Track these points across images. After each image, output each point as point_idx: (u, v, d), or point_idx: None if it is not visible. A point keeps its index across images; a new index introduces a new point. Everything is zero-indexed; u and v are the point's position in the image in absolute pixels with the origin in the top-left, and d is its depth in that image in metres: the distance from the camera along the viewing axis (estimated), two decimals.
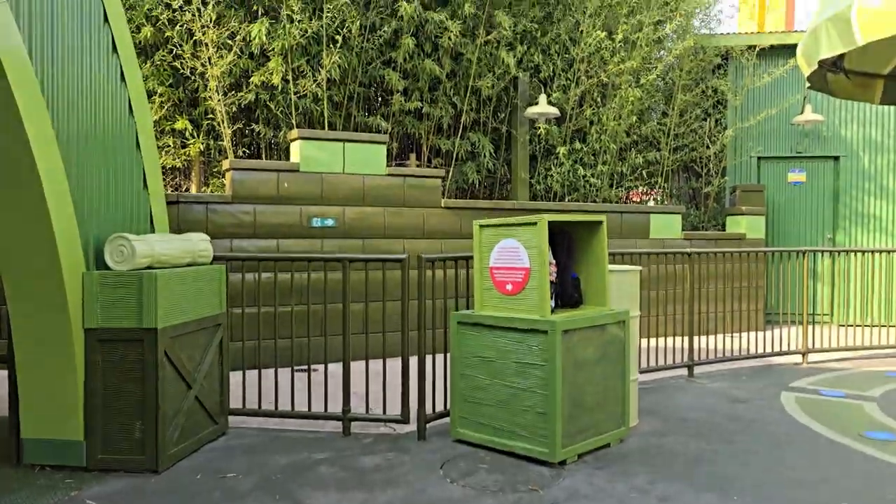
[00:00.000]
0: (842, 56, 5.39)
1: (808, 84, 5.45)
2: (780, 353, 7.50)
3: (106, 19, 4.44)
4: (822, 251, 8.21)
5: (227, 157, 7.66)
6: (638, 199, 10.78)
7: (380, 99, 8.77)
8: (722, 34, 10.48)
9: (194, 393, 4.33)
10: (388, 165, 8.00)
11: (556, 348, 4.05)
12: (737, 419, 5.20)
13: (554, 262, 4.48)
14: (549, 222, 4.39)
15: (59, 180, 3.73)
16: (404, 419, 4.74)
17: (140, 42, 7.37)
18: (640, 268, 5.13)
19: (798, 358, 7.61)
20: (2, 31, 3.35)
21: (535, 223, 4.23)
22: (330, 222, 7.48)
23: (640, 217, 9.26)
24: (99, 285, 3.93)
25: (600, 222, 4.62)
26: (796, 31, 10.56)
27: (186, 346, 4.27)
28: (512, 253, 4.37)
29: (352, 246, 7.57)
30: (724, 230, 10.35)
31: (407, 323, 4.68)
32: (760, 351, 7.75)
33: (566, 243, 4.61)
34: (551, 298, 4.38)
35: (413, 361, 4.99)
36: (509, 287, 4.39)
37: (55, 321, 3.84)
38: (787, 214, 10.79)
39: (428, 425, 4.80)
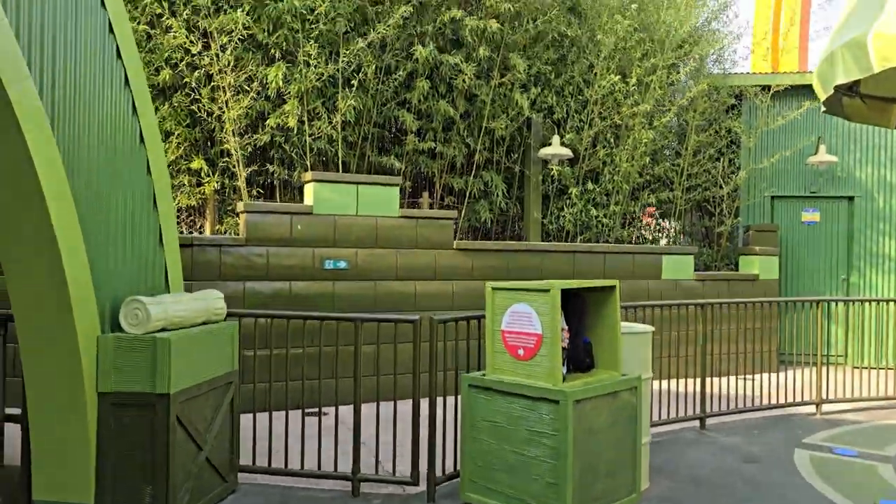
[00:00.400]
0: (857, 80, 5.37)
1: (823, 108, 5.44)
2: (794, 404, 7.44)
3: (127, 83, 4.49)
4: (836, 301, 8.16)
5: (241, 196, 7.72)
6: (650, 218, 10.70)
7: (394, 138, 8.81)
8: (736, 74, 10.49)
9: (205, 454, 4.34)
10: (401, 207, 8.03)
11: (568, 418, 4.03)
12: (750, 481, 5.15)
13: (566, 327, 4.47)
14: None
15: (75, 240, 3.76)
16: (414, 481, 4.72)
17: (158, 84, 7.46)
18: (651, 328, 5.12)
19: (812, 408, 7.54)
20: (24, 97, 3.40)
21: (547, 290, 4.23)
22: (342, 264, 7.51)
23: (651, 258, 9.23)
24: (113, 349, 3.95)
25: (613, 287, 4.62)
26: (810, 71, 10.54)
27: (198, 407, 4.28)
28: (524, 318, 4.36)
29: (363, 289, 7.59)
30: (737, 269, 10.30)
31: (418, 384, 4.68)
32: (774, 400, 7.68)
33: (579, 307, 4.61)
34: (563, 364, 4.37)
35: (424, 405, 4.97)
36: (521, 352, 4.38)
37: (69, 385, 3.87)
38: (800, 254, 10.73)
39: (437, 487, 4.78)
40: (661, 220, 10.72)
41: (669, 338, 8.79)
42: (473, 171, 8.96)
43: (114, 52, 4.33)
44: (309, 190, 7.51)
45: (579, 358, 4.56)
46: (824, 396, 7.55)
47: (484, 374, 4.58)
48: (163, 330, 4.16)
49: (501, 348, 4.51)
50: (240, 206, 7.22)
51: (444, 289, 8.03)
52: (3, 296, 3.96)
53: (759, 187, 10.38)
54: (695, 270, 9.67)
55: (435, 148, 8.56)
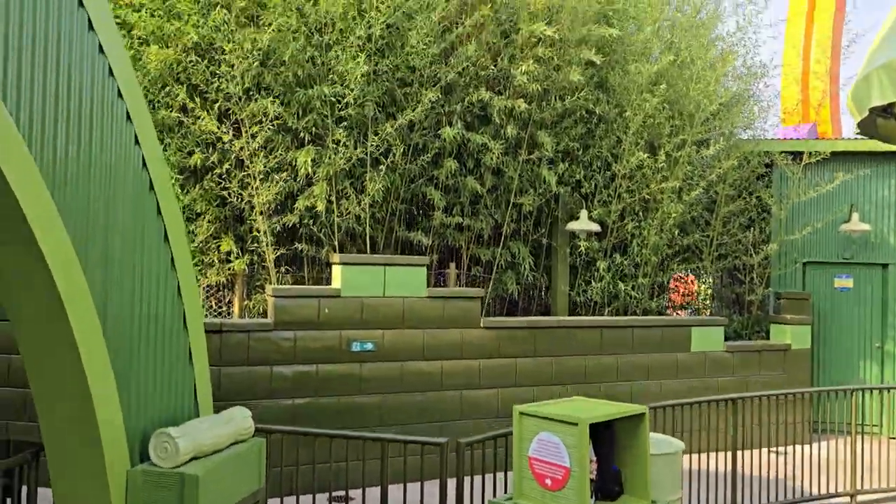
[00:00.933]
0: (893, 102, 5.30)
1: (857, 130, 5.37)
2: (827, 496, 7.26)
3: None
4: (871, 389, 7.98)
5: (269, 272, 7.79)
6: (680, 279, 10.58)
7: (421, 213, 8.84)
8: (767, 140, 10.40)
9: None
10: (427, 281, 8.03)
11: None
12: None
13: (595, 458, 4.41)
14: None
15: (107, 385, 3.81)
16: None
17: (190, 166, 7.58)
18: (681, 446, 5.04)
19: (847, 500, 7.35)
20: (57, 246, 3.46)
21: (576, 423, 4.18)
22: (369, 346, 7.52)
23: (680, 330, 9.12)
24: (142, 484, 3.98)
25: (643, 414, 4.56)
26: (843, 138, 10.44)
27: None
28: (552, 447, 4.32)
29: (390, 370, 7.59)
30: (768, 338, 10.14)
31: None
32: (807, 485, 7.51)
33: (608, 436, 4.55)
34: (591, 496, 4.31)
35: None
36: (548, 482, 4.33)
37: None
38: (833, 321, 10.54)
39: None
40: (689, 281, 10.62)
41: (698, 409, 8.66)
42: (501, 242, 8.96)
43: (147, 186, 4.40)
44: (336, 272, 7.55)
45: (608, 487, 4.50)
46: (859, 486, 7.37)
47: (511, 499, 4.53)
48: (192, 459, 4.18)
49: (529, 475, 4.46)
50: (268, 290, 7.28)
51: (470, 367, 8.00)
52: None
53: (791, 256, 10.23)
54: (725, 339, 9.53)
55: (462, 222, 8.58)
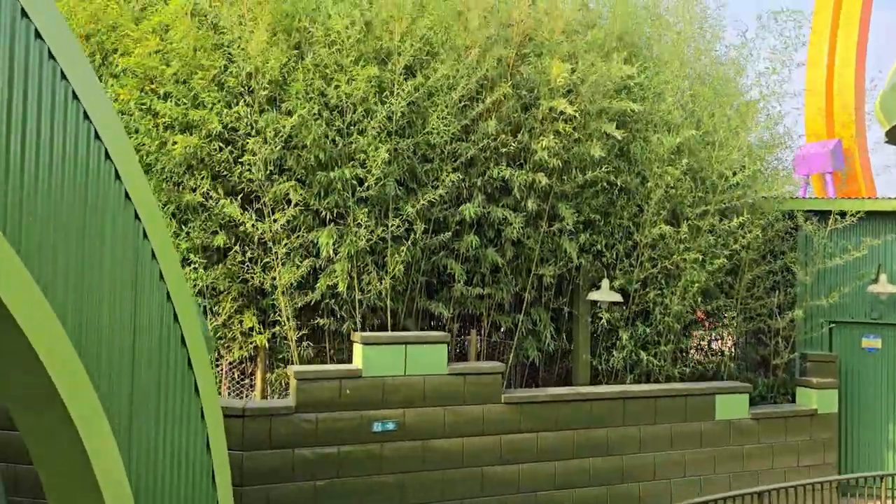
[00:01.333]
0: None
1: (886, 139, 5.34)
2: None
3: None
4: None
5: (291, 344, 7.82)
6: (703, 318, 10.41)
7: (441, 283, 8.84)
8: (791, 198, 10.28)
9: None
10: (448, 357, 8.01)
11: None
12: None
13: None
14: None
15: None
16: None
17: (213, 246, 7.65)
18: None
19: None
20: (78, 399, 3.50)
21: None
22: (391, 426, 7.52)
23: (704, 398, 9.02)
24: None
25: None
26: (874, 198, 10.29)
27: None
28: None
29: (412, 449, 7.58)
30: (794, 401, 10.00)
31: None
32: None
33: None
34: None
35: None
36: None
37: None
38: (861, 381, 10.37)
39: None
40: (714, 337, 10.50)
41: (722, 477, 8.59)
42: (522, 309, 8.93)
43: (171, 320, 4.44)
44: (357, 351, 7.57)
45: None
46: None
47: None
48: None
49: None
50: (290, 371, 7.32)
51: (492, 443, 7.97)
52: None
53: (818, 320, 10.08)
54: (750, 402, 9.41)
55: (483, 292, 8.56)
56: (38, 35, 3.32)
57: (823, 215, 9.99)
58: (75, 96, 3.61)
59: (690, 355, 9.74)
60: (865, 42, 19.55)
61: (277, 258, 7.45)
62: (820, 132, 23.05)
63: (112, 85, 7.43)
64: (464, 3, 7.87)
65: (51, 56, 3.43)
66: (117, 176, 3.91)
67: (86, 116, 3.69)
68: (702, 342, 9.52)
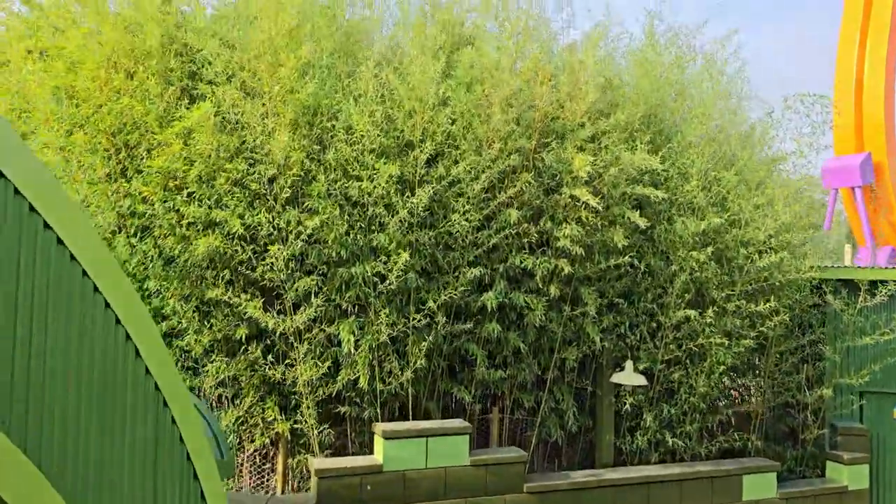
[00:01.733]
0: None
1: None
2: None
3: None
4: None
5: (312, 432, 7.82)
6: (736, 397, 10.26)
7: (463, 366, 8.80)
8: (820, 267, 10.07)
9: None
10: (469, 447, 7.97)
11: None
12: None
13: None
14: None
15: None
16: None
17: (235, 338, 7.68)
18: None
19: None
20: None
21: None
22: None
23: (731, 479, 8.88)
24: None
25: None
26: None
27: None
28: None
29: None
30: (824, 475, 9.81)
31: None
32: None
33: None
34: None
35: None
36: None
37: None
38: (892, 453, 10.12)
39: None
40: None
41: None
42: (545, 387, 8.87)
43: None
44: (378, 445, 7.56)
45: None
46: None
47: None
48: None
49: None
50: (311, 466, 7.32)
51: None
52: None
53: (847, 396, 9.87)
54: (778, 476, 9.24)
55: (505, 374, 8.51)
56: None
57: (852, 285, 9.78)
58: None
59: (716, 431, 9.57)
60: None
61: (299, 355, 7.46)
62: (849, 144, 22.38)
63: (137, 180, 7.51)
64: (485, 94, 7.82)
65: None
66: (138, 354, 3.94)
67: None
68: (728, 416, 9.34)
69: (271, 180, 7.14)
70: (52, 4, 7.96)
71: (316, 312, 7.34)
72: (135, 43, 7.74)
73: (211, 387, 7.97)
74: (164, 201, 7.36)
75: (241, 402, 7.85)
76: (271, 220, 7.09)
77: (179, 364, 8.00)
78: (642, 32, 9.76)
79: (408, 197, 7.39)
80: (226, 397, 8.12)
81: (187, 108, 7.22)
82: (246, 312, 7.51)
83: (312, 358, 7.55)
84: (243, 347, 7.79)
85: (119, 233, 7.75)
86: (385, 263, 7.42)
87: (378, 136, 7.39)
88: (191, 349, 7.77)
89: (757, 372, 9.49)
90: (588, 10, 9.24)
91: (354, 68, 8.14)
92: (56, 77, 7.59)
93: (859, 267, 9.89)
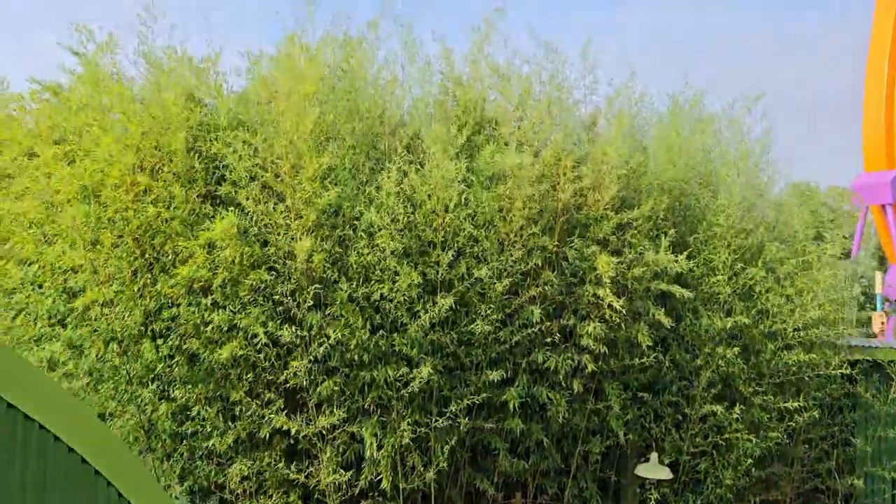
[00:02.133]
0: None
1: None
2: None
3: None
4: None
5: None
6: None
7: (486, 453, 8.75)
8: (849, 345, 9.86)
9: None
10: None
11: None
12: None
13: None
14: None
15: None
16: None
17: (258, 436, 7.71)
18: None
19: None
20: None
21: None
22: None
23: None
24: None
25: None
26: None
27: None
28: None
29: None
30: None
31: None
32: None
33: None
34: None
35: None
36: None
37: None
38: None
39: None
40: None
41: None
42: (569, 475, 8.79)
43: None
44: None
45: None
46: None
47: None
48: None
49: None
50: None
51: None
52: None
53: (880, 485, 9.63)
54: None
55: (528, 465, 8.46)
56: None
57: (883, 369, 9.55)
58: None
59: None
60: None
61: (322, 459, 7.47)
62: (879, 161, 21.54)
63: (162, 281, 7.59)
64: (508, 196, 7.78)
65: None
66: None
67: None
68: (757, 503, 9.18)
69: (294, 292, 7.17)
70: (79, 103, 8.00)
71: (338, 419, 7.34)
72: (160, 142, 7.81)
73: (236, 482, 8.00)
74: (189, 304, 7.42)
75: (264, 499, 7.87)
76: (294, 331, 7.12)
77: (205, 459, 8.05)
78: (666, 109, 9.63)
79: (429, 303, 7.37)
80: (250, 492, 8.15)
81: (211, 213, 7.29)
82: (268, 419, 7.54)
83: (336, 462, 7.54)
84: (266, 445, 7.81)
85: (145, 333, 7.83)
86: (407, 367, 7.41)
87: (399, 238, 7.38)
88: (215, 448, 7.80)
89: (786, 460, 9.30)
90: (610, 81, 8.90)
91: (376, 163, 8.15)
92: (84, 176, 7.64)
93: (892, 347, 9.61)
